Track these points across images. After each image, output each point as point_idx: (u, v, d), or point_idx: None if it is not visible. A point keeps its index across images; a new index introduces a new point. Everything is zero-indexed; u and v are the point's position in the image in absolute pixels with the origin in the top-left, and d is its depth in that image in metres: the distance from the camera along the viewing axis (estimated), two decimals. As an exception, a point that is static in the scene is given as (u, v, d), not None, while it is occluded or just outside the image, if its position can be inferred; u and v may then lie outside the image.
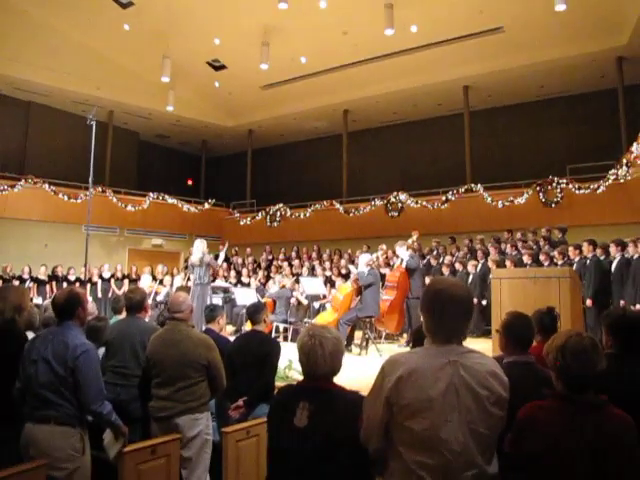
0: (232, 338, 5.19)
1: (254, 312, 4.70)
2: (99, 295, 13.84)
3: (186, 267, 14.31)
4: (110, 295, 13.66)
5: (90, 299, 11.47)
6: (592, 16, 12.51)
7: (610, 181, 12.69)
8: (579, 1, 11.60)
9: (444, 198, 15.01)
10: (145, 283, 12.68)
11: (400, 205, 15.72)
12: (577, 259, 8.91)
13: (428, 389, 1.95)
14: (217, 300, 10.86)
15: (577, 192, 13.24)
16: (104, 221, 16.13)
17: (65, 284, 12.76)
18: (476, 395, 1.96)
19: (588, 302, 8.32)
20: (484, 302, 10.26)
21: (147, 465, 3.31)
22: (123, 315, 5.17)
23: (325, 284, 11.52)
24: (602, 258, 8.77)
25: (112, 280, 14.26)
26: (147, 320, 4.94)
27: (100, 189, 16.18)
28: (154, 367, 3.79)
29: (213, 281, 11.10)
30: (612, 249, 8.58)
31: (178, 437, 3.57)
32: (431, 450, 1.92)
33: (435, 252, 12.36)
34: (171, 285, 12.60)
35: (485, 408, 1.97)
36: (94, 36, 15.55)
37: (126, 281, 14.39)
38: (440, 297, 2.09)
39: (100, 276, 14.13)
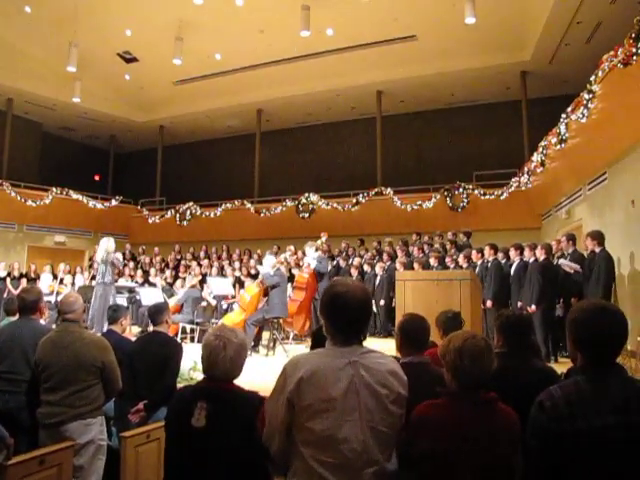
0: (135, 340, 5.00)
1: (155, 313, 4.54)
2: (-7, 295, 12.96)
3: (91, 265, 13.73)
4: (5, 295, 12.84)
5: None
6: (499, 31, 13.13)
7: (512, 188, 13.38)
8: (488, 16, 12.08)
9: (355, 200, 15.24)
10: (45, 282, 12.05)
11: (311, 206, 15.82)
12: (479, 262, 9.27)
13: (329, 389, 1.96)
14: (122, 300, 10.49)
15: (482, 198, 13.83)
16: (0, 216, 15.18)
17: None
18: (376, 394, 1.99)
19: (488, 303, 8.63)
20: (393, 304, 10.45)
21: (34, 477, 3.06)
22: (17, 317, 4.86)
23: (234, 284, 11.38)
24: (503, 262, 9.14)
25: (8, 279, 13.39)
26: (44, 322, 4.67)
27: (-4, 182, 15.23)
28: (43, 371, 3.57)
29: (117, 281, 10.71)
30: (512, 253, 8.93)
31: (71, 444, 3.35)
32: (332, 449, 1.93)
33: (344, 254, 12.50)
34: (72, 284, 12.03)
35: (385, 407, 2.00)
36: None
37: (24, 280, 13.48)
38: (338, 299, 2.08)
39: (-6, 274, 13.26)
